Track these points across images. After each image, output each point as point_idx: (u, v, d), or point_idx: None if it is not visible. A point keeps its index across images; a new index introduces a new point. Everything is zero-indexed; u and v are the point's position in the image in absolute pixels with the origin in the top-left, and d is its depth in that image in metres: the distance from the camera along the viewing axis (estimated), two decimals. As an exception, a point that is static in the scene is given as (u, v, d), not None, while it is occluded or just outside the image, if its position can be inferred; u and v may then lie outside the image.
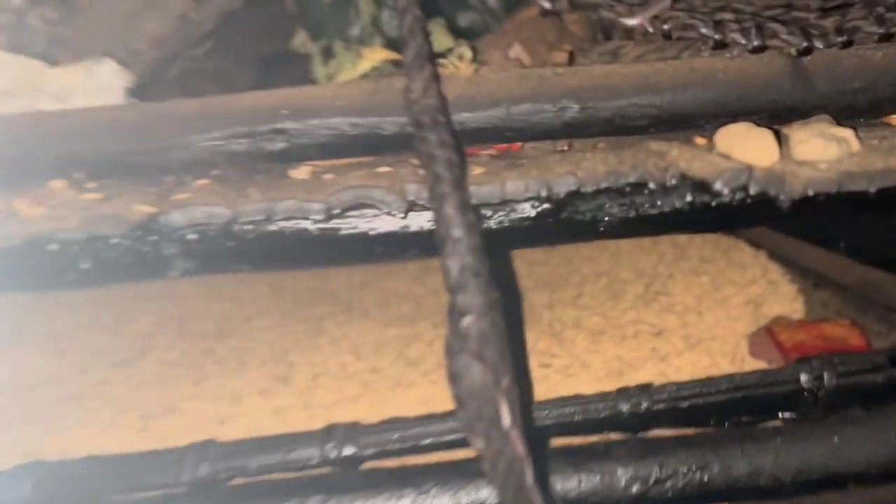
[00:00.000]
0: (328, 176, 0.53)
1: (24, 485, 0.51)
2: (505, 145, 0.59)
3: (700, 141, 0.56)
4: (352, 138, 0.53)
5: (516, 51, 0.76)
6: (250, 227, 0.49)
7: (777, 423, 0.58)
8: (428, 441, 0.55)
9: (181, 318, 0.89)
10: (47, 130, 0.54)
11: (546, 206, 0.51)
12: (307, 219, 0.49)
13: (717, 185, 0.51)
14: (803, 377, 0.56)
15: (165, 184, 0.53)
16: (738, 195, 0.51)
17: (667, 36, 0.59)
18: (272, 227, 0.49)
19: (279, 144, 0.53)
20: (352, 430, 0.55)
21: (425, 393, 0.69)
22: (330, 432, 0.55)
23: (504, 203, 0.51)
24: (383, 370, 0.73)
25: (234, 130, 0.53)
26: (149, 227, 0.48)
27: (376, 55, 0.75)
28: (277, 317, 0.87)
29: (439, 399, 0.67)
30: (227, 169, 0.54)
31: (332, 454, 0.53)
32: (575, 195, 0.51)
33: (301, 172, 0.54)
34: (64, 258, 0.48)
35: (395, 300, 0.88)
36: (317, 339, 0.81)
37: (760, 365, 0.73)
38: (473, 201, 0.50)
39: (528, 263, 0.93)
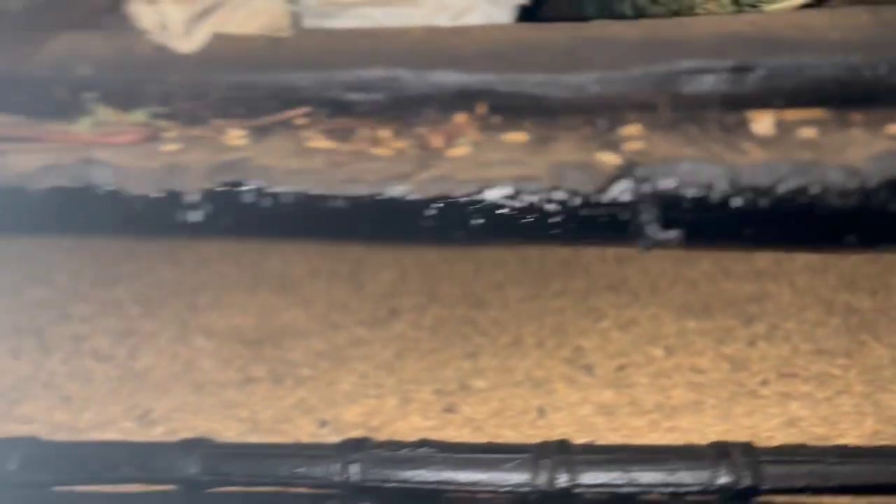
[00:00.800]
0: (805, 131, 0.41)
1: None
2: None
3: None
4: (837, 83, 0.42)
5: None
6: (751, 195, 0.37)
7: None
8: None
9: (423, 277, 0.79)
10: (447, 51, 0.43)
11: None
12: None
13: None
14: None
15: (597, 127, 0.42)
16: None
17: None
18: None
19: (743, 84, 0.42)
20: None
21: (781, 409, 0.58)
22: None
23: None
24: (707, 371, 0.62)
25: (685, 64, 0.42)
26: (621, 182, 0.37)
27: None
28: (529, 287, 0.77)
29: (807, 420, 0.57)
30: (664, 111, 0.43)
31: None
32: None
33: (763, 124, 0.42)
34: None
35: (664, 282, 0.77)
36: (594, 321, 0.70)
37: None
38: None
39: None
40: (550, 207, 0.37)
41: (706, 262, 0.80)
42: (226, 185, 0.38)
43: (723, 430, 0.56)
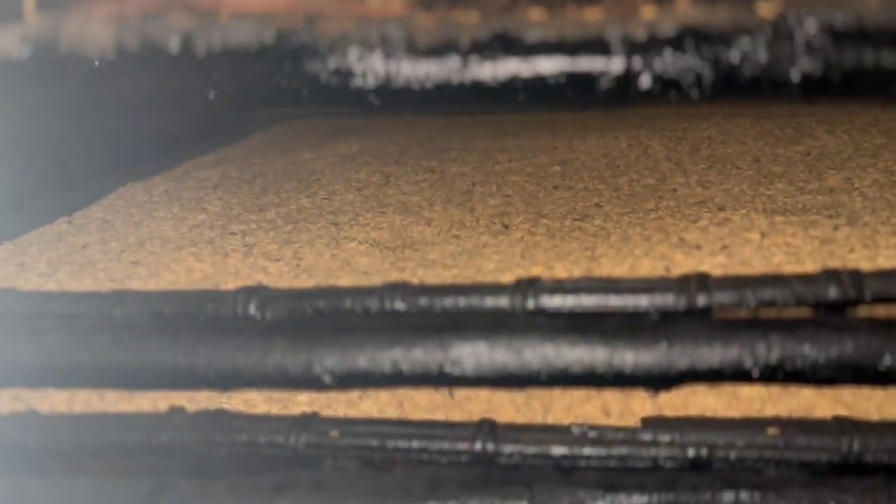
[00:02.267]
0: None
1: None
2: None
3: None
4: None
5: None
6: None
7: None
8: None
9: (527, 203, 0.89)
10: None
11: None
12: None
13: None
14: None
15: None
16: None
17: None
18: None
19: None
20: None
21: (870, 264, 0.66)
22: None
23: None
24: (799, 246, 0.71)
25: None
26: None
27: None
28: (626, 206, 0.87)
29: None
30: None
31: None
32: None
33: None
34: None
35: (745, 197, 0.86)
36: (692, 222, 0.80)
37: None
38: None
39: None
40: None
41: (780, 182, 0.90)
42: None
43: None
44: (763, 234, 0.67)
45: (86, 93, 0.46)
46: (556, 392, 0.59)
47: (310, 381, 0.46)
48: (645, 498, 0.50)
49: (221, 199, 0.94)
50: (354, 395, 0.60)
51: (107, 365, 0.48)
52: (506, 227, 0.83)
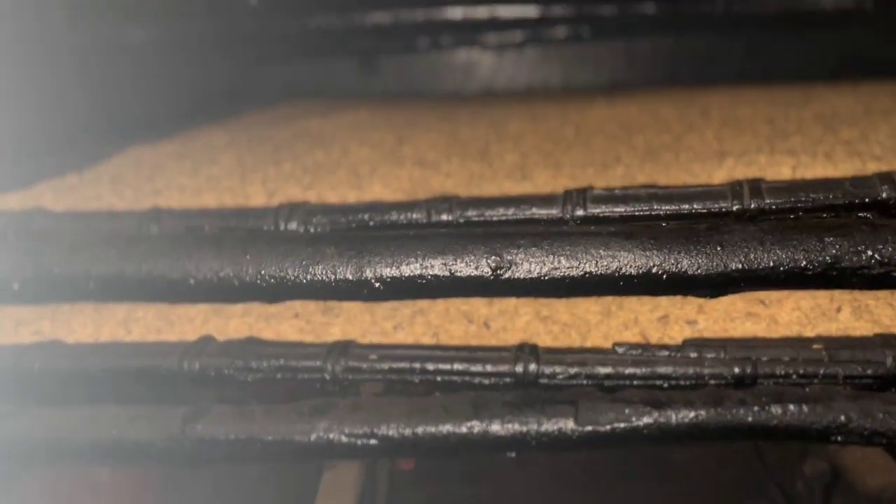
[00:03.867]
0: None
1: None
2: None
3: None
4: None
5: None
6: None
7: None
8: None
9: (545, 158, 0.88)
10: None
11: None
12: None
13: None
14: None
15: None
16: None
17: None
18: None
19: None
20: None
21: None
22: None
23: None
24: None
25: None
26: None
27: None
28: (639, 170, 0.86)
29: None
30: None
31: None
32: None
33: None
34: None
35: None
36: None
37: None
38: None
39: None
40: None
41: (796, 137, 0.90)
42: None
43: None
44: (794, 168, 0.67)
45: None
46: (594, 320, 0.58)
47: (360, 288, 0.45)
48: (692, 412, 0.49)
49: (235, 156, 0.92)
50: (388, 325, 0.59)
51: (148, 275, 0.46)
52: (526, 177, 0.83)
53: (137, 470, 1.11)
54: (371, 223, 0.48)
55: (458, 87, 1.62)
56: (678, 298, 0.60)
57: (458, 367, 0.53)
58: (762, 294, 0.59)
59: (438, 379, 0.53)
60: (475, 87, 1.62)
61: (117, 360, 0.55)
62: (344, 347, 0.54)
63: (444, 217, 0.48)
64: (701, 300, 0.59)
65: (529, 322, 0.59)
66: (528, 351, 0.53)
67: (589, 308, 0.60)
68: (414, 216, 0.48)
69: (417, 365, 0.53)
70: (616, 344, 0.53)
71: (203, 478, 1.13)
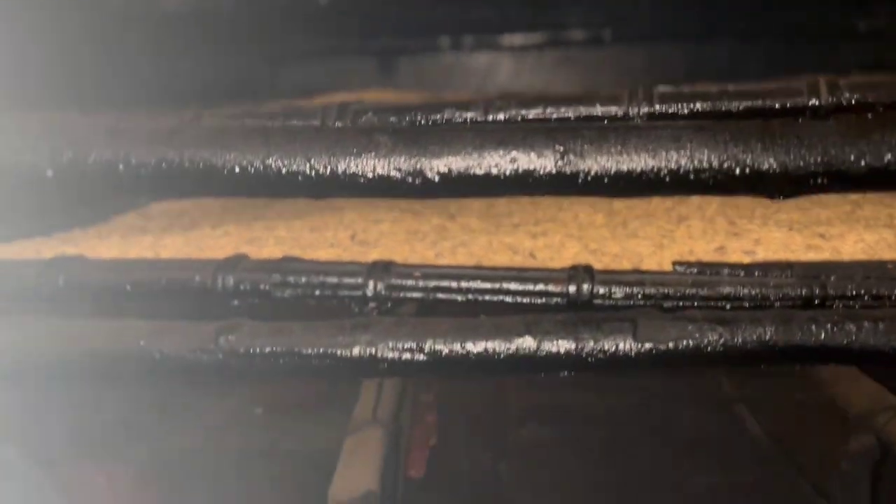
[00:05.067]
0: None
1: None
2: None
3: None
4: None
5: None
6: None
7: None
8: None
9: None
10: None
11: None
12: None
13: None
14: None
15: None
16: None
17: None
18: None
19: None
20: None
21: None
22: None
23: None
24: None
25: None
26: None
27: None
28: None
29: None
30: None
31: None
32: None
33: None
34: None
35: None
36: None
37: None
38: None
39: None
40: None
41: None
42: None
43: None
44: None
45: None
46: (646, 252, 0.56)
47: (414, 180, 0.43)
48: (760, 329, 0.46)
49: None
50: (430, 254, 0.57)
51: (191, 162, 0.44)
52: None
53: (137, 470, 1.07)
54: (424, 122, 0.46)
55: (478, 89, 1.62)
56: (735, 227, 0.57)
57: (506, 285, 0.50)
58: (822, 227, 0.57)
59: (486, 298, 0.50)
60: (494, 90, 1.62)
61: (147, 274, 0.52)
62: (386, 266, 0.52)
63: (502, 116, 0.46)
64: (758, 233, 0.57)
65: (578, 253, 0.57)
66: (581, 271, 0.50)
67: (640, 242, 0.58)
68: (470, 115, 0.46)
69: (465, 283, 0.50)
70: (676, 263, 0.50)
71: (203, 477, 1.09)
